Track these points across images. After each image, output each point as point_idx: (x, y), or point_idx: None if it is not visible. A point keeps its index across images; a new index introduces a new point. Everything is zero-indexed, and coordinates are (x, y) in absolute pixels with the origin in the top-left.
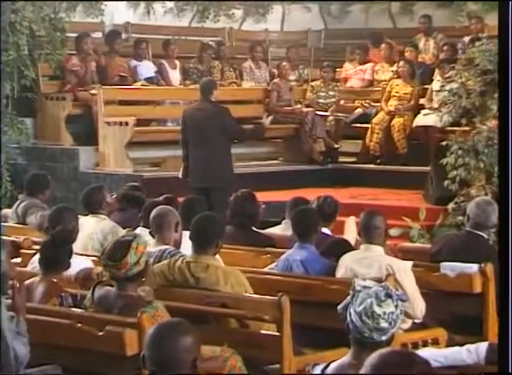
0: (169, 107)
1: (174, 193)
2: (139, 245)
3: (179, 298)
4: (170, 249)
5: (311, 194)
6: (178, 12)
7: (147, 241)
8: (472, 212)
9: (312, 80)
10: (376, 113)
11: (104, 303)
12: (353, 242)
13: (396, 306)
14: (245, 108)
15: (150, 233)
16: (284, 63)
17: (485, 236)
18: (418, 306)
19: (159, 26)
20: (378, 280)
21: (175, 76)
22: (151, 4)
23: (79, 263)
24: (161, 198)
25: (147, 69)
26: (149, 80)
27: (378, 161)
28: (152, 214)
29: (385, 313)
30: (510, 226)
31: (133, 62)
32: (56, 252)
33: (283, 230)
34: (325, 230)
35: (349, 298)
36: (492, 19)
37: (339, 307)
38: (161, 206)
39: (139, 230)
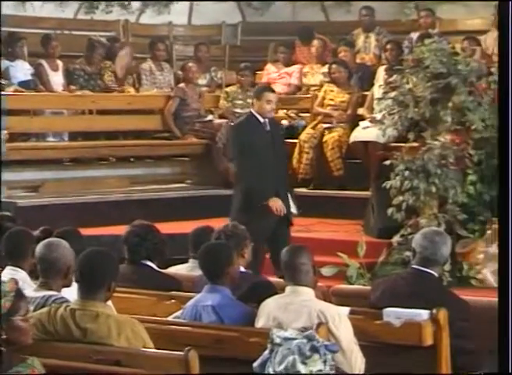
0: (50, 118)
1: (55, 224)
2: None
3: (61, 353)
4: (57, 296)
5: None
6: (60, 0)
7: None
8: (418, 244)
9: (227, 85)
10: (305, 127)
11: None
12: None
13: (325, 362)
14: (144, 120)
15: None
16: (191, 64)
17: (436, 274)
18: (357, 362)
19: (37, 17)
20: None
21: (57, 79)
22: None
23: None
24: (38, 231)
25: (21, 70)
26: (24, 84)
27: (311, 186)
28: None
29: (311, 372)
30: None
31: (4, 63)
32: None
33: (190, 269)
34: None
35: (266, 352)
36: (444, 13)
37: (255, 364)
38: (46, 241)
39: (7, 271)
